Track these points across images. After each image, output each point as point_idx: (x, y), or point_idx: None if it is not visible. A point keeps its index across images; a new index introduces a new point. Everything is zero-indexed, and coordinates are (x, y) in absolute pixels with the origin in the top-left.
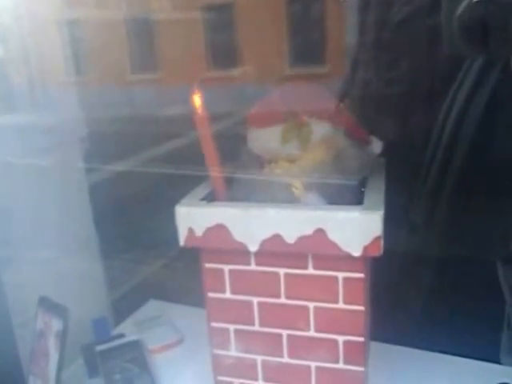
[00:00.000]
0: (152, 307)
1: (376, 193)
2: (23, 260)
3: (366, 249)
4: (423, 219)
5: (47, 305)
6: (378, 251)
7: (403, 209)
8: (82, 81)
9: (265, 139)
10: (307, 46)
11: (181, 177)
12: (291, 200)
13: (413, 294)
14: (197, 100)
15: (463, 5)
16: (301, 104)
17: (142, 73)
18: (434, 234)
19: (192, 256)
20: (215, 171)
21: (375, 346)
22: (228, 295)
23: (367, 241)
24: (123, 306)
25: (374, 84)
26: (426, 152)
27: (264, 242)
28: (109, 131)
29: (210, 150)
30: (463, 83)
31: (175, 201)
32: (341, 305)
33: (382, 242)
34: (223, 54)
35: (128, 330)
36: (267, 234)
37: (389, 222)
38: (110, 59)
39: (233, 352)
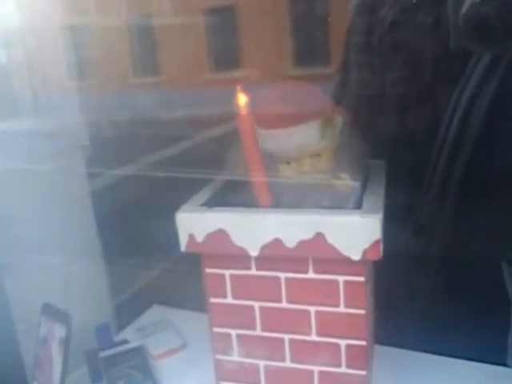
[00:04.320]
0: (155, 313)
1: (375, 196)
2: (26, 266)
3: (365, 252)
4: (428, 220)
5: (50, 311)
6: (378, 255)
7: (406, 211)
8: (84, 85)
9: (290, 138)
10: (311, 46)
11: (184, 181)
12: (338, 195)
13: (418, 296)
14: (241, 99)
15: (468, 2)
16: (296, 101)
17: (144, 76)
18: (439, 236)
19: (195, 261)
20: (258, 175)
21: (379, 349)
22: (229, 300)
23: (367, 244)
24: (126, 312)
25: (375, 85)
26: (427, 154)
27: (264, 247)
28: (111, 135)
29: (253, 153)
30: (467, 84)
31: (178, 206)
32: (342, 308)
33: (381, 246)
34: (226, 56)
35: (131, 335)
36: (267, 239)
37: (392, 224)
38: (113, 63)
39: (235, 357)
